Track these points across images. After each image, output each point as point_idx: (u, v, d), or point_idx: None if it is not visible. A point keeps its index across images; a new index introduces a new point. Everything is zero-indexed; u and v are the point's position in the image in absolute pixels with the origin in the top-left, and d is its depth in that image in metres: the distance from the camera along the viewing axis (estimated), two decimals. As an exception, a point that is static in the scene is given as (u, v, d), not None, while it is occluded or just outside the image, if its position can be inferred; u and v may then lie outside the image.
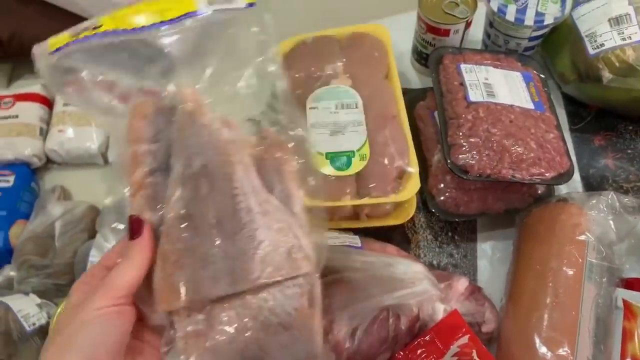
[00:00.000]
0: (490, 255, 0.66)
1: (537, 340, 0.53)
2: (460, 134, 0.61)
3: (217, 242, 0.34)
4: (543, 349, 0.53)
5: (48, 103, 0.87)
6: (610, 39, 0.65)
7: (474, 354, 0.50)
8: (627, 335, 0.53)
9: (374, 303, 0.51)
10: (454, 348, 0.51)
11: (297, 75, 0.66)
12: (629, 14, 0.65)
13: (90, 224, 0.72)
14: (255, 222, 0.35)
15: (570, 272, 0.55)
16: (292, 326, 0.34)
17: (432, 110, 0.70)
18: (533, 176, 0.60)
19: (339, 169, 0.58)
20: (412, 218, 0.63)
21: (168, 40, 0.40)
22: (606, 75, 0.65)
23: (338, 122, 0.61)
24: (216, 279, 0.34)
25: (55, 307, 0.63)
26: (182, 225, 0.35)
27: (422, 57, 0.77)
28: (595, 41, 0.66)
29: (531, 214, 0.62)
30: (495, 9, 0.69)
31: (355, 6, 0.85)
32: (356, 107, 0.62)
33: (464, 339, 0.52)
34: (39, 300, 0.63)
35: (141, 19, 0.41)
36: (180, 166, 0.36)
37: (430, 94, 0.72)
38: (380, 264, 0.52)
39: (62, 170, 0.85)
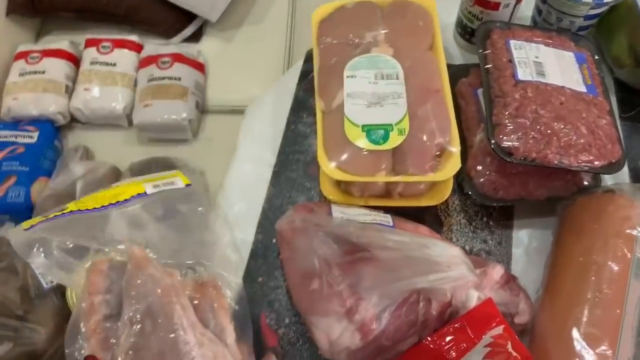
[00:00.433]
0: (526, 244, 0.62)
1: (576, 336, 0.50)
2: (506, 113, 0.58)
3: None
4: (581, 346, 0.50)
5: (75, 60, 0.85)
6: (676, 21, 0.60)
7: (509, 346, 0.47)
8: (674, 338, 0.50)
9: (405, 285, 0.48)
10: (486, 338, 0.48)
11: (334, 42, 0.63)
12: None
13: (112, 185, 0.71)
14: (192, 352, 0.44)
15: (616, 268, 0.52)
16: None
17: (475, 88, 0.66)
18: (581, 163, 0.56)
19: (375, 142, 0.55)
20: (445, 200, 0.60)
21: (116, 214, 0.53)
22: (668, 60, 0.61)
23: (377, 93, 0.57)
24: None
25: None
26: (130, 359, 0.43)
27: (467, 31, 0.72)
28: (658, 23, 0.62)
29: (575, 204, 0.59)
30: (551, -17, 0.65)
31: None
32: (397, 79, 0.58)
33: (498, 330, 0.49)
34: (57, 259, 0.62)
35: (99, 202, 0.55)
36: (129, 309, 0.45)
37: (474, 70, 0.68)
38: (414, 245, 0.49)
39: (86, 130, 0.84)
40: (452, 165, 0.55)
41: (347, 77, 0.59)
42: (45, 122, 0.80)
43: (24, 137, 0.77)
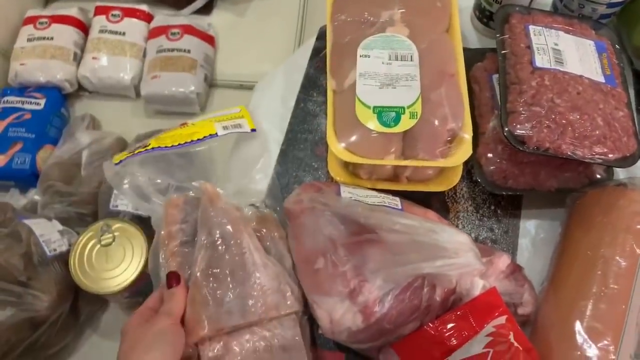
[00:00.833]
0: (533, 234, 0.62)
1: (578, 330, 0.50)
2: (522, 101, 0.56)
3: (231, 287, 0.49)
4: (583, 339, 0.49)
5: (84, 28, 0.83)
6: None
7: (511, 337, 0.47)
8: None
9: (411, 269, 0.48)
10: (488, 327, 0.48)
11: (348, 19, 0.61)
12: None
13: (118, 156, 0.70)
14: (258, 272, 0.50)
15: (624, 263, 0.51)
16: (289, 348, 0.49)
17: (490, 73, 0.65)
18: (595, 155, 0.55)
19: (385, 125, 0.54)
20: (454, 186, 0.59)
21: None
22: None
23: (390, 74, 0.56)
24: (230, 313, 0.48)
25: (76, 235, 0.62)
26: (205, 276, 0.49)
27: (485, 14, 0.71)
28: (685, 14, 0.60)
29: (585, 196, 0.58)
30: (575, -32, 0.63)
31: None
32: (411, 60, 0.57)
33: (501, 320, 0.48)
34: (61, 227, 0.62)
35: (176, 140, 0.61)
36: (203, 236, 0.51)
37: (490, 55, 0.66)
38: (422, 229, 0.49)
39: (93, 99, 0.83)
40: (464, 151, 0.54)
41: (361, 56, 0.58)
42: (53, 89, 0.78)
43: (30, 103, 0.76)
